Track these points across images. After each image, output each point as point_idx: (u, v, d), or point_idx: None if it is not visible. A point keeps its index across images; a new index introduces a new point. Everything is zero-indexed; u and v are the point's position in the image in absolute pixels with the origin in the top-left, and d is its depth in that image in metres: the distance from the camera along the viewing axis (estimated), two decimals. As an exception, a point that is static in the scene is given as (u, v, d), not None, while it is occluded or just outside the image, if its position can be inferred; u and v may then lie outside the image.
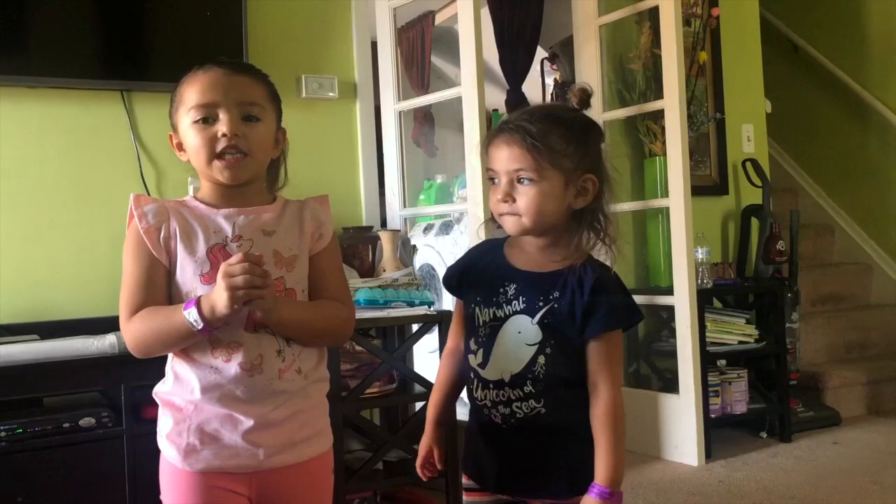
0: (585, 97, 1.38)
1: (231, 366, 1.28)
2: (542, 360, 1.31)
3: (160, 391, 1.36)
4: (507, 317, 1.34)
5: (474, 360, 1.37)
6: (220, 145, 1.29)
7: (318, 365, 1.38)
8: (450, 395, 1.50)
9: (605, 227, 1.36)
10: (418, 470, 1.52)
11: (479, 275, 1.39)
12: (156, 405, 1.36)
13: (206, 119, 1.30)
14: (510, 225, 1.34)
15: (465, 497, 1.44)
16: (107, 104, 2.79)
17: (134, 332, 1.29)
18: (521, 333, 1.32)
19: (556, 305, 1.31)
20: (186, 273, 1.30)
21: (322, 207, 1.42)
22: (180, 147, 1.37)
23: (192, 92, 1.31)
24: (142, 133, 2.83)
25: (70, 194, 2.74)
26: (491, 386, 1.34)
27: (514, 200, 1.31)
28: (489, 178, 1.36)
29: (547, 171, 1.30)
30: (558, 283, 1.32)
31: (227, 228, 1.32)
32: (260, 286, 1.21)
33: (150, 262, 1.30)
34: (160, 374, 1.37)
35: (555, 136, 1.30)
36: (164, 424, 1.34)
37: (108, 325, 2.24)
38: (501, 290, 1.35)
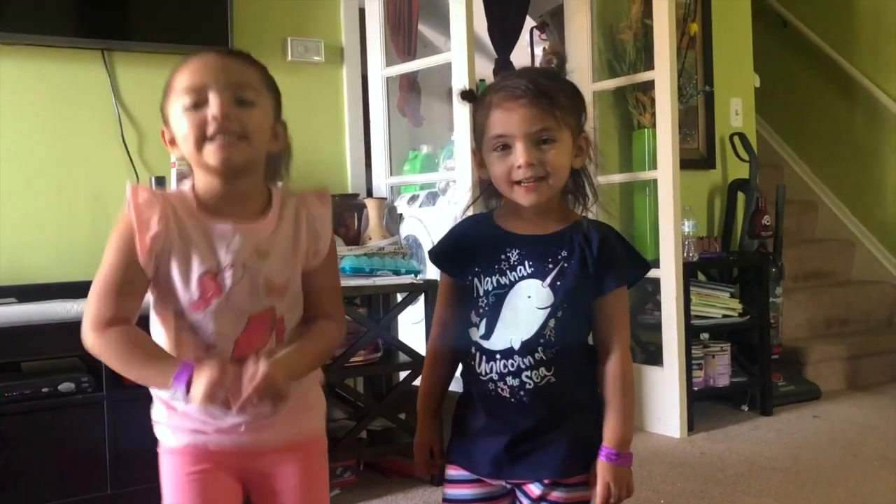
0: (562, 62, 1.35)
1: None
2: (552, 323, 1.26)
3: (154, 414, 1.33)
4: (513, 283, 1.28)
5: (476, 333, 1.30)
6: (211, 129, 1.18)
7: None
8: (444, 383, 1.41)
9: (592, 186, 1.35)
10: (421, 470, 1.43)
11: (475, 246, 1.32)
12: None
13: (196, 104, 1.19)
14: (533, 193, 1.25)
15: (448, 490, 1.34)
16: (87, 64, 2.72)
17: (100, 350, 1.22)
18: (531, 297, 1.27)
19: (566, 265, 1.27)
20: (174, 293, 1.23)
21: (323, 208, 1.32)
22: (172, 142, 1.25)
23: (182, 76, 1.22)
24: (123, 94, 2.77)
25: (49, 155, 2.67)
26: (498, 356, 1.28)
27: (539, 164, 1.25)
28: (497, 146, 1.27)
29: (563, 131, 1.26)
30: (564, 243, 1.29)
31: (221, 252, 1.23)
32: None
33: (135, 270, 1.21)
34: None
35: (563, 94, 1.27)
36: (159, 413, 1.31)
37: (88, 289, 2.19)
38: (503, 256, 1.29)
